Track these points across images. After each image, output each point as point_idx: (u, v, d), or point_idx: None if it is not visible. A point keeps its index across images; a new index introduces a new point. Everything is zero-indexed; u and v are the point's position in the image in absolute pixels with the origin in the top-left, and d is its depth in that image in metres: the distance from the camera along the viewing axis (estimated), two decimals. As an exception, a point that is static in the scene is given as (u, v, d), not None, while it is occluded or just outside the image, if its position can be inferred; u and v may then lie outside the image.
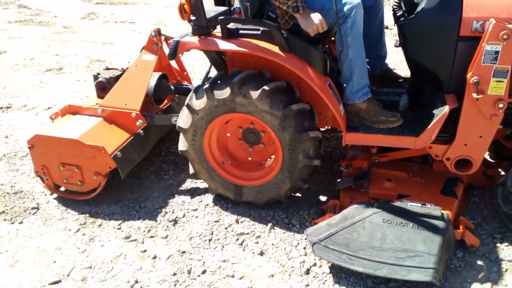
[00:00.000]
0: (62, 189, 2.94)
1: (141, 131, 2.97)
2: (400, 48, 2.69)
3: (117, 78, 3.12)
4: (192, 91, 2.66)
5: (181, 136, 2.72)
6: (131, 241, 2.53)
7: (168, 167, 3.30)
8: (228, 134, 2.80)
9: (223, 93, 2.46)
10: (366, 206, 2.28)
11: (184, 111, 2.66)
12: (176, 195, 2.94)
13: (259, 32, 2.48)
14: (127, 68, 3.21)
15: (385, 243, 2.14)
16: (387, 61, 3.01)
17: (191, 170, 2.81)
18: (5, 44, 6.34)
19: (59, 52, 6.10)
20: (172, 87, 3.16)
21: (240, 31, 2.51)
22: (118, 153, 2.72)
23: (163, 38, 3.03)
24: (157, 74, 3.08)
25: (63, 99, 4.51)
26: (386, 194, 2.55)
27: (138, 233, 2.58)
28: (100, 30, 7.03)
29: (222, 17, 2.47)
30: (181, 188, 3.03)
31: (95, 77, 3.18)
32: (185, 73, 3.67)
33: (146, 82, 2.96)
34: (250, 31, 2.50)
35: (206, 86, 2.50)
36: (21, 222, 2.72)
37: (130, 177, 3.16)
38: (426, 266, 2.03)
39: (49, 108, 4.40)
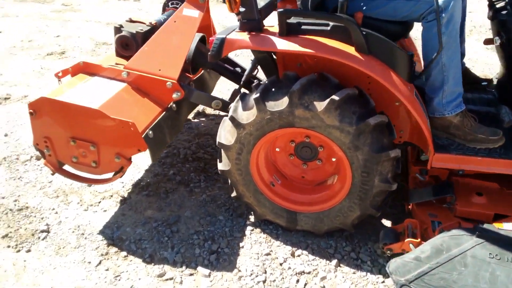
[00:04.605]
0: (67, 168, 2.36)
1: (174, 105, 2.42)
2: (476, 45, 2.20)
3: (145, 34, 2.55)
4: (236, 99, 2.19)
5: (222, 154, 2.26)
6: (166, 280, 2.08)
7: (198, 177, 2.84)
8: (278, 149, 2.34)
9: (279, 104, 2.00)
10: (463, 234, 1.81)
11: (226, 124, 2.19)
12: (212, 216, 2.49)
13: (328, 28, 1.99)
14: (155, 24, 2.65)
15: (496, 286, 1.70)
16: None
17: (233, 193, 2.36)
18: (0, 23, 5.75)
19: (59, 33, 5.52)
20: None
21: (303, 27, 2.02)
22: (150, 132, 2.17)
23: None
24: (197, 36, 2.53)
25: (68, 90, 4.00)
26: (478, 213, 2.08)
27: (174, 270, 2.13)
28: (102, 9, 6.43)
29: (281, 9, 1.97)
30: (217, 205, 2.58)
31: (117, 29, 2.60)
32: None
33: (187, 45, 2.38)
34: (316, 27, 2.01)
35: (256, 95, 2.03)
36: (28, 251, 2.27)
37: (156, 190, 2.71)
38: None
39: (53, 100, 3.89)
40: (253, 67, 2.55)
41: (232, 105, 2.20)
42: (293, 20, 2.04)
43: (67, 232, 2.39)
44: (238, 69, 2.93)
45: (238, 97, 2.20)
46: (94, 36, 5.48)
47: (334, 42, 1.96)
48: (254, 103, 2.05)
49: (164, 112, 2.37)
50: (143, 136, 2.12)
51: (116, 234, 2.36)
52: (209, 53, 2.12)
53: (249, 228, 2.39)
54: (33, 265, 2.18)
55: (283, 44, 1.98)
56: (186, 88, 2.40)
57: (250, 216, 2.48)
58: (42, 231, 2.38)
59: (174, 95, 2.36)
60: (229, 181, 2.34)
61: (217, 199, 2.64)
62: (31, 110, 2.20)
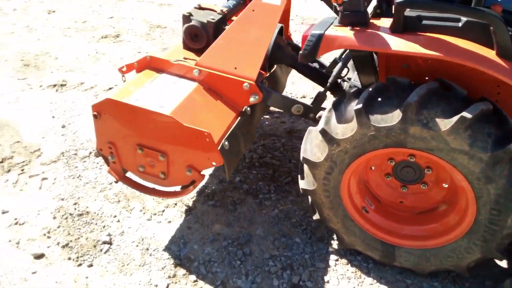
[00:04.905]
0: (131, 176, 2.12)
1: (248, 109, 2.10)
2: None
3: (217, 24, 2.24)
4: (328, 108, 1.83)
5: (306, 170, 1.92)
6: (243, 317, 1.82)
7: (268, 187, 2.54)
8: (372, 167, 1.97)
9: (388, 119, 1.62)
10: None
11: (314, 137, 1.84)
12: (288, 237, 2.19)
13: (459, 25, 1.58)
14: (226, 11, 2.33)
15: None
16: None
17: (316, 216, 2.03)
18: (53, 1, 5.63)
19: (113, 14, 5.34)
20: (293, 53, 2.25)
21: (424, 22, 1.62)
22: (226, 142, 1.89)
23: None
24: (277, 28, 2.18)
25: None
26: None
27: (251, 304, 1.87)
28: (156, -12, 6.17)
29: None
30: (292, 224, 2.28)
31: (186, 18, 2.30)
32: (288, 33, 2.81)
33: (268, 39, 2.06)
34: (442, 22, 1.60)
35: (358, 105, 1.66)
36: (90, 265, 2.07)
37: (222, 200, 2.44)
38: None
39: (110, 88, 3.70)
40: (344, 66, 2.18)
41: (323, 115, 1.84)
42: (410, 13, 1.65)
43: (131, 245, 2.17)
44: (316, 65, 2.56)
45: (331, 106, 1.84)
46: (147, 18, 5.25)
47: (466, 43, 1.55)
48: (354, 116, 1.69)
49: (239, 118, 2.07)
50: (219, 148, 1.83)
51: (183, 252, 2.12)
52: (301, 52, 1.77)
53: (332, 257, 2.07)
54: (95, 283, 1.98)
55: (400, 44, 1.59)
56: (264, 90, 2.07)
57: (332, 241, 2.16)
58: (104, 243, 2.18)
59: (252, 99, 2.04)
60: (311, 201, 2.02)
61: (291, 216, 2.33)
62: (95, 113, 1.96)
